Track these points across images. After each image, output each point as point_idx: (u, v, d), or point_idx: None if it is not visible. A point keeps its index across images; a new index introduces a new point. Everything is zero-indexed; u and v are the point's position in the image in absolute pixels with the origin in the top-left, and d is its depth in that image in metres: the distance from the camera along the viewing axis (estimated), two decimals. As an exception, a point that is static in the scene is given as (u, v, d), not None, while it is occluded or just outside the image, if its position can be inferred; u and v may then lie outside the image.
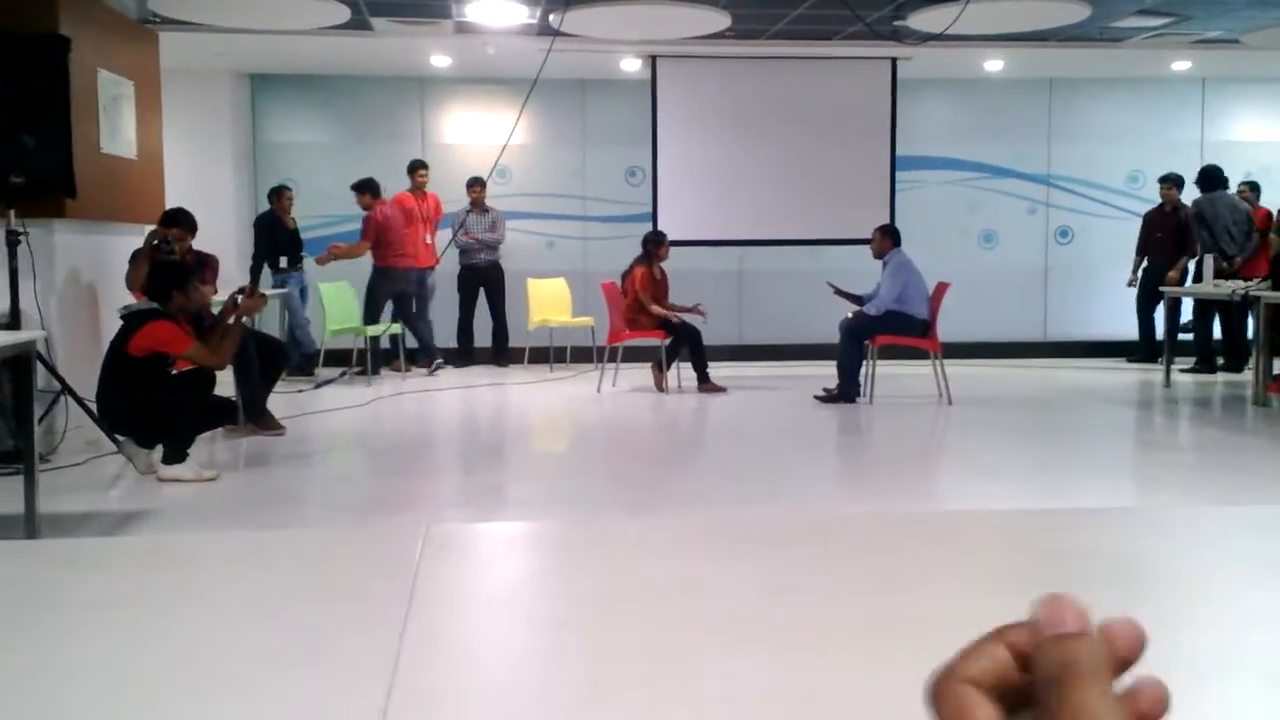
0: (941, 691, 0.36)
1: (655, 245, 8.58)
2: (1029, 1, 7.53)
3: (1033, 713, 0.35)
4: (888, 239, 8.00)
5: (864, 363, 7.75)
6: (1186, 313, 9.56)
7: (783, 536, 1.24)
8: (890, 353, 7.93)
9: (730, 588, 1.06)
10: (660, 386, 8.44)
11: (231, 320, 5.47)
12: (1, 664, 0.87)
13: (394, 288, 9.46)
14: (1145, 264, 9.85)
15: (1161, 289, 9.16)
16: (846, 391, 7.70)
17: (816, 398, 7.78)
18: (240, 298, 5.59)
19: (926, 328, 7.71)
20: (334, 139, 10.57)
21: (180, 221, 6.29)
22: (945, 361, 7.83)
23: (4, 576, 1.10)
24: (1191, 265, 9.50)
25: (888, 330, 7.66)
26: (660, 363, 8.46)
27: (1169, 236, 9.67)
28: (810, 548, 1.21)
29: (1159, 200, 9.92)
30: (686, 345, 8.41)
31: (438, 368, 9.57)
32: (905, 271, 7.78)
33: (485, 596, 1.09)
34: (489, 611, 1.05)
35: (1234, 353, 9.24)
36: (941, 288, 7.81)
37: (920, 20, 8.07)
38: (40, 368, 4.77)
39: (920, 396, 7.93)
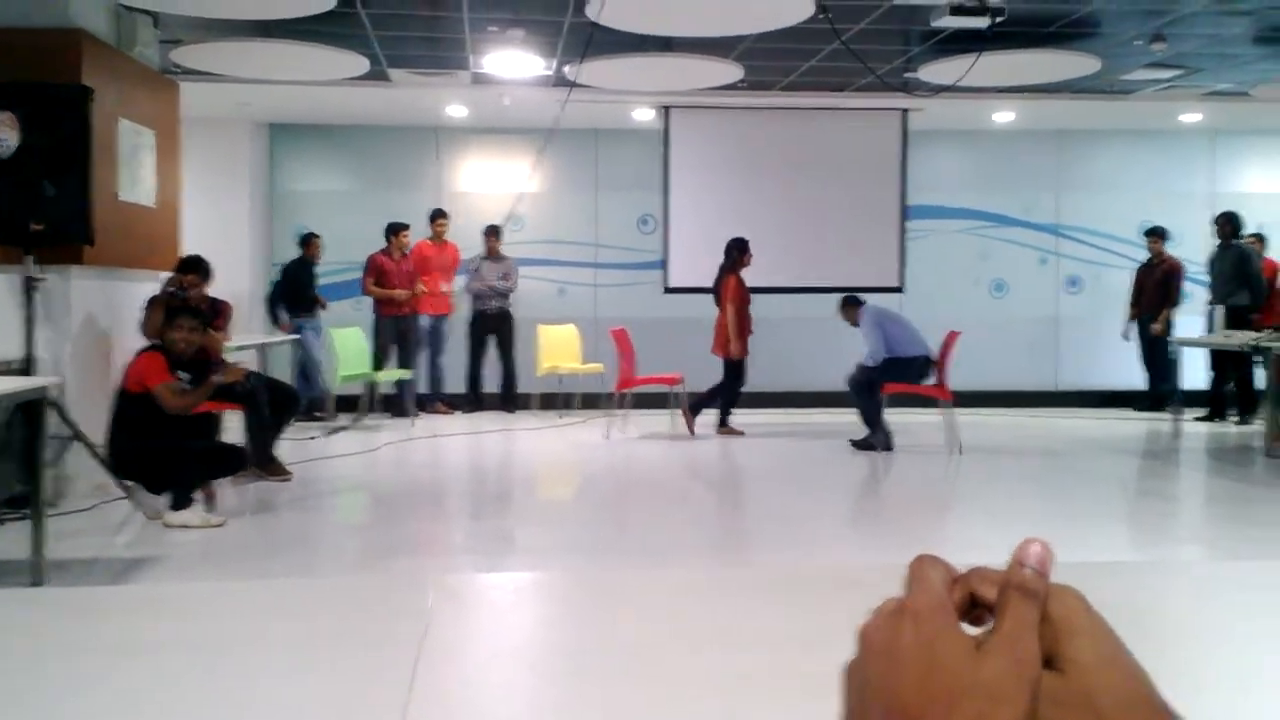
0: (914, 567, 0.46)
1: (741, 251, 8.62)
2: (1040, 54, 7.59)
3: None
4: (849, 306, 8.04)
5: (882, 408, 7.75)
6: (1197, 362, 9.55)
7: (791, 586, 1.24)
8: (900, 400, 7.91)
9: (743, 638, 1.06)
10: (691, 430, 8.41)
11: (212, 379, 5.36)
12: (7, 712, 0.87)
13: (388, 333, 9.56)
14: (1138, 316, 9.92)
15: (1169, 339, 9.16)
16: (878, 439, 7.68)
17: (852, 442, 7.78)
18: (228, 366, 5.55)
19: (928, 363, 7.68)
20: (351, 187, 10.67)
21: (196, 268, 6.36)
22: (956, 410, 7.81)
23: (10, 624, 1.11)
24: (1179, 316, 9.60)
25: (890, 378, 7.65)
26: (690, 405, 8.46)
27: (1155, 288, 9.73)
28: (819, 598, 1.21)
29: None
30: (729, 384, 8.51)
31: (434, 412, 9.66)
32: (880, 320, 7.80)
33: (494, 647, 1.09)
34: (498, 662, 1.05)
35: (1246, 403, 9.20)
36: (952, 337, 7.81)
37: (931, 72, 8.14)
38: (52, 412, 4.79)
39: (930, 445, 7.90)
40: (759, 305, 10.68)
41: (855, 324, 7.97)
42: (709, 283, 8.97)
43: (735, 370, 8.52)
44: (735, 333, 8.44)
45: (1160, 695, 0.42)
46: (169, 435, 5.24)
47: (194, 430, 5.38)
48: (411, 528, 5.54)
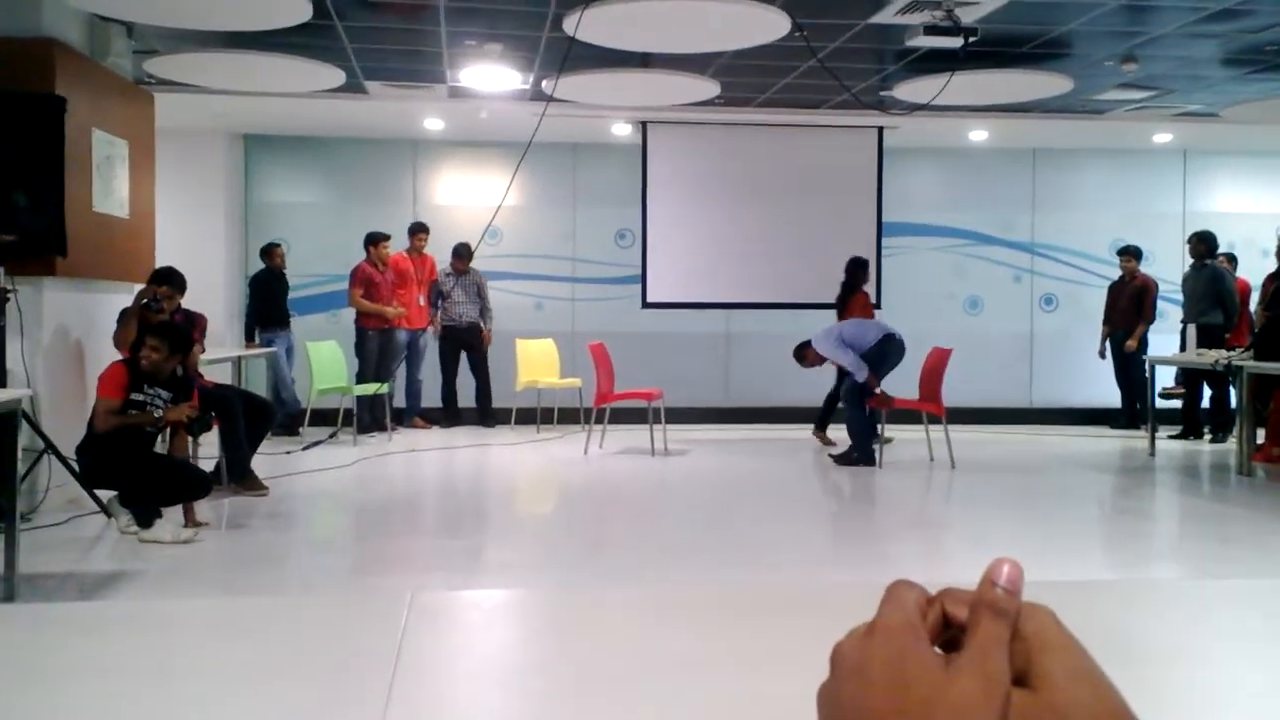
0: (889, 590, 0.46)
1: (864, 270, 9.02)
2: (1013, 74, 7.66)
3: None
4: (803, 352, 8.18)
5: (878, 426, 7.80)
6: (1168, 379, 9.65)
7: (769, 605, 1.23)
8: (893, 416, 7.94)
9: (721, 658, 1.06)
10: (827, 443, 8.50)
11: (156, 414, 5.19)
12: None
13: (371, 346, 9.53)
14: (1111, 333, 10.02)
15: (1145, 357, 9.25)
16: (863, 455, 7.71)
17: (831, 457, 7.81)
18: (171, 407, 5.26)
19: (891, 339, 7.76)
20: (326, 199, 10.63)
21: (170, 280, 6.29)
22: (931, 427, 7.86)
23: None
24: (1154, 334, 9.74)
25: (878, 366, 7.70)
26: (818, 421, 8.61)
27: (1129, 306, 9.83)
28: (804, 617, 1.20)
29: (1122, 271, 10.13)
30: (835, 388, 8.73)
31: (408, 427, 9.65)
32: (830, 336, 7.89)
33: (471, 668, 1.08)
34: (475, 683, 1.04)
35: (1220, 421, 9.29)
36: (940, 354, 7.87)
37: (906, 91, 8.20)
38: (25, 425, 4.74)
39: (913, 461, 7.92)
40: (735, 319, 10.74)
41: (820, 360, 8.03)
42: (687, 297, 9.01)
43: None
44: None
45: (1132, 712, 0.42)
46: (139, 450, 5.19)
47: (144, 445, 5.26)
48: (387, 544, 5.50)
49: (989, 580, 0.44)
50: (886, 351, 7.75)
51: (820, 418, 9.03)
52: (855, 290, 8.99)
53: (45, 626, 1.17)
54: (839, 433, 8.37)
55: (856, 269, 9.05)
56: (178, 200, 9.27)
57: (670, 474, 7.73)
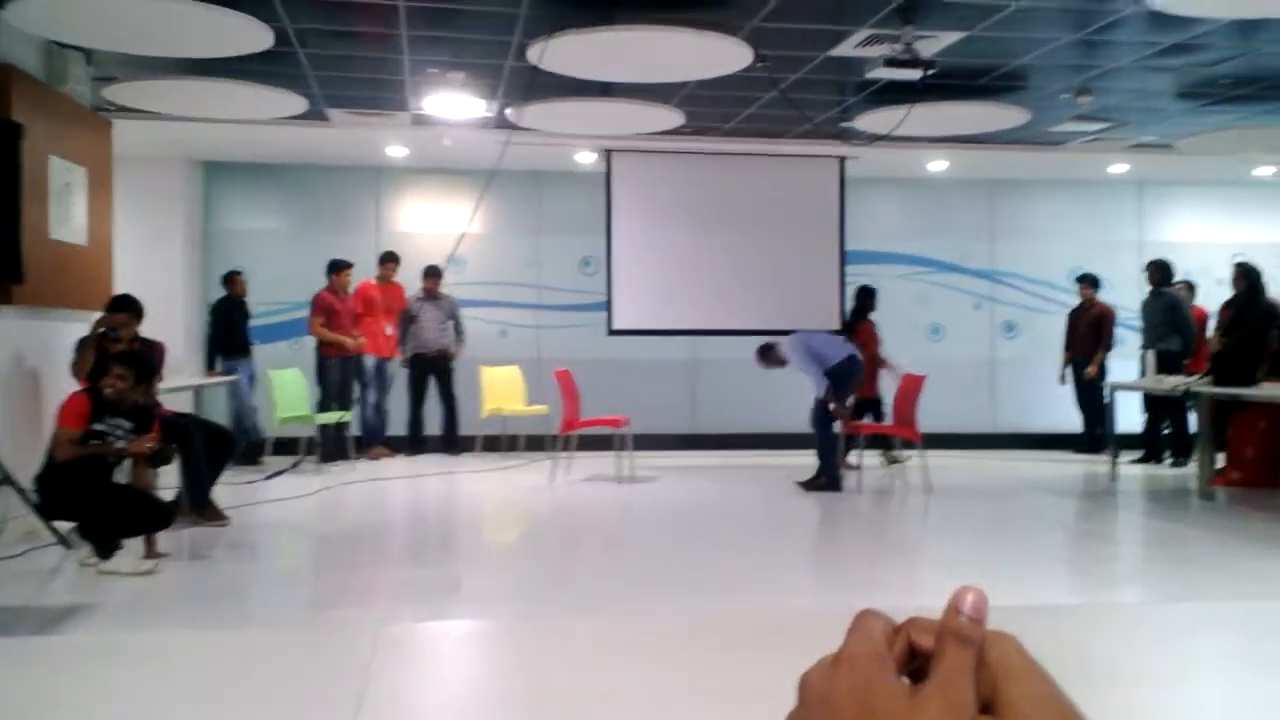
0: (855, 619, 0.46)
1: (871, 298, 9.31)
2: (971, 106, 7.78)
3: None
4: (767, 353, 8.19)
5: (838, 447, 7.86)
6: (1132, 405, 9.76)
7: (742, 635, 1.23)
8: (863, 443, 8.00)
9: (687, 688, 1.05)
10: (852, 464, 8.40)
11: (115, 445, 5.10)
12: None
13: (333, 375, 9.47)
14: (1071, 360, 10.16)
15: (1105, 384, 9.37)
16: (830, 479, 7.75)
17: (799, 483, 7.83)
18: (133, 439, 5.16)
19: (854, 360, 7.87)
20: (288, 226, 10.57)
21: (127, 308, 6.21)
22: (896, 452, 7.91)
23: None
24: (1113, 360, 9.93)
25: (841, 385, 7.76)
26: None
27: (1088, 332, 9.98)
28: (771, 647, 1.20)
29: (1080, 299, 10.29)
30: (868, 416, 8.94)
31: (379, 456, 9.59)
32: (800, 343, 7.93)
33: (436, 699, 1.07)
34: (440, 715, 1.03)
35: (1180, 446, 9.40)
36: (912, 380, 7.97)
37: (866, 122, 8.30)
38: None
39: (891, 486, 7.96)
40: (701, 346, 10.76)
41: (782, 362, 8.05)
42: (653, 324, 9.00)
43: (875, 407, 9.15)
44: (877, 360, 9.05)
45: None
46: (99, 480, 5.10)
47: (105, 474, 5.18)
48: (352, 575, 5.44)
49: (954, 609, 0.45)
50: (851, 370, 7.83)
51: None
52: (863, 317, 9.26)
53: (3, 659, 1.14)
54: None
55: (864, 296, 9.32)
56: (136, 228, 9.18)
57: (637, 501, 7.70)
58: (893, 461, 8.94)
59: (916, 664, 0.45)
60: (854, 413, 8.49)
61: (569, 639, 1.22)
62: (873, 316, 9.38)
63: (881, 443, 9.01)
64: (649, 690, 0.98)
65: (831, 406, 7.75)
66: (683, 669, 1.04)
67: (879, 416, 9.12)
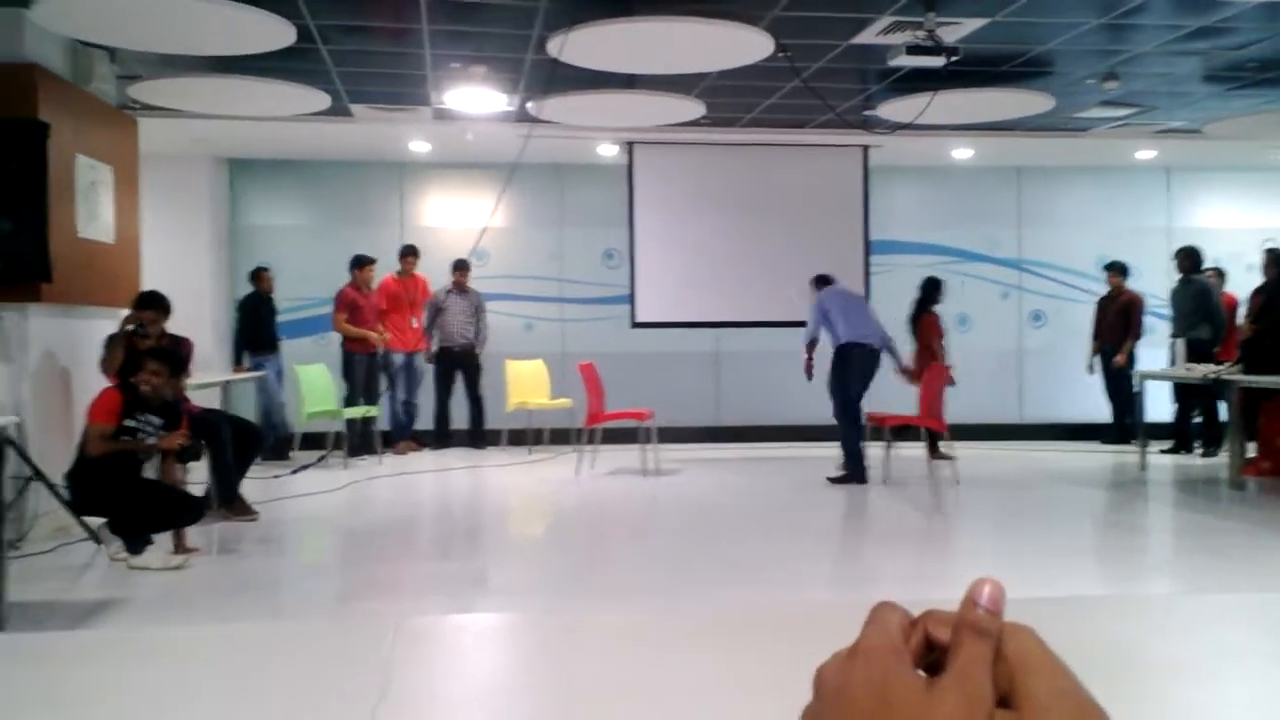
0: (872, 612, 0.46)
1: (936, 289, 9.13)
2: (995, 92, 7.71)
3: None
4: (813, 287, 8.22)
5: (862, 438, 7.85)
6: (1161, 394, 9.67)
7: (761, 627, 1.22)
8: (885, 433, 7.96)
9: (713, 681, 1.05)
10: (946, 455, 8.37)
11: (147, 441, 5.16)
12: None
13: (358, 370, 9.52)
14: (1100, 349, 10.06)
15: (1134, 373, 9.28)
16: (854, 471, 7.73)
17: (829, 478, 7.83)
18: (164, 435, 5.21)
19: (873, 355, 7.80)
20: (312, 222, 10.62)
21: (154, 304, 6.26)
22: (922, 443, 7.88)
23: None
24: (1142, 349, 9.81)
25: (850, 366, 7.71)
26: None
27: (1117, 321, 9.87)
28: (789, 639, 1.19)
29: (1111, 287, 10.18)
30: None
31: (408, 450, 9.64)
32: (822, 302, 7.93)
33: (459, 693, 1.07)
34: (462, 709, 1.03)
35: (1210, 436, 9.30)
36: (939, 370, 7.93)
37: (889, 110, 8.25)
38: (12, 452, 4.70)
39: (912, 478, 7.93)
40: (725, 338, 10.74)
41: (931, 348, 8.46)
42: (677, 316, 8.98)
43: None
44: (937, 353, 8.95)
45: None
46: (129, 476, 5.15)
47: (135, 469, 5.23)
48: (378, 568, 5.47)
49: (971, 601, 0.44)
50: (859, 357, 7.75)
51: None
52: (926, 309, 9.13)
53: (34, 655, 1.15)
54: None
55: (929, 288, 9.21)
56: (163, 225, 9.25)
57: (662, 494, 7.71)
58: (940, 456, 8.83)
59: (933, 657, 0.44)
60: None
61: (589, 631, 1.22)
62: (937, 309, 9.21)
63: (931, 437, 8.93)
64: (670, 682, 0.98)
65: (806, 362, 7.82)
66: (705, 661, 1.05)
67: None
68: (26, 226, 5.18)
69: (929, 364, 8.64)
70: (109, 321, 6.46)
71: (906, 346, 8.77)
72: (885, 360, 7.95)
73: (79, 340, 6.42)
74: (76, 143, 6.24)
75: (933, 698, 0.41)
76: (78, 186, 6.27)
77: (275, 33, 5.98)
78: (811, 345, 7.90)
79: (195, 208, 9.99)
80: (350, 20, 6.29)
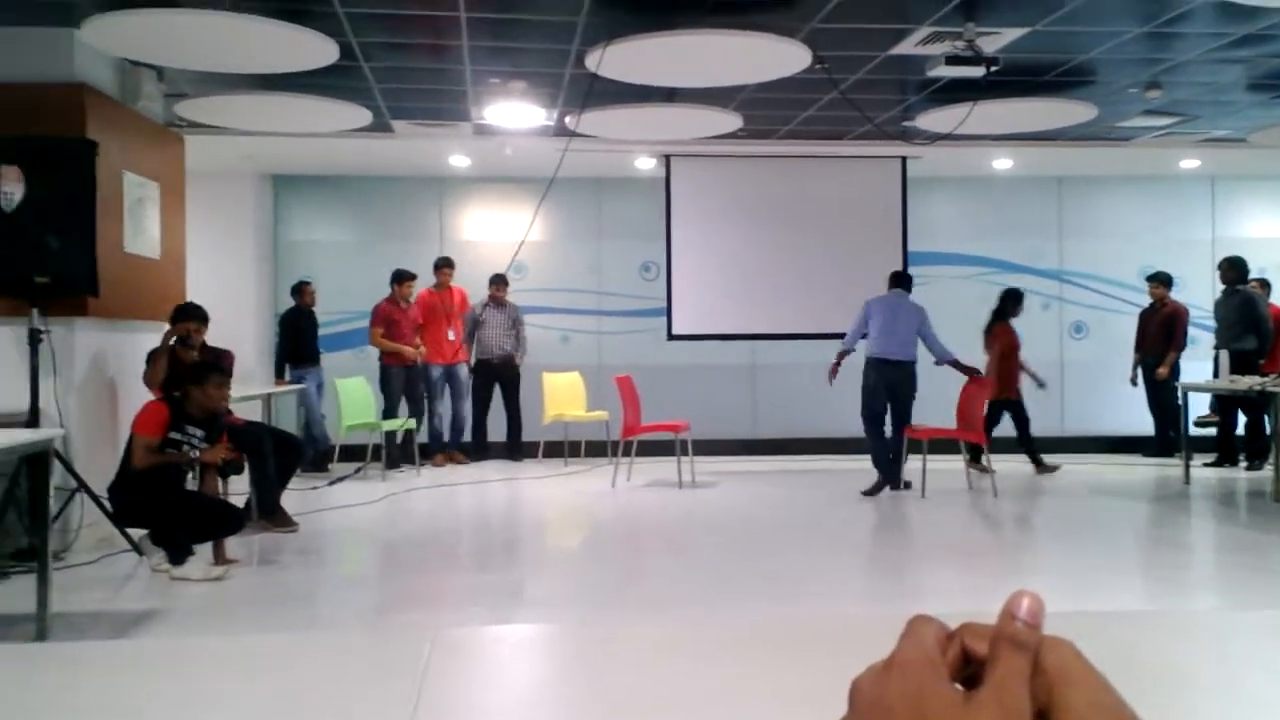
0: (908, 625, 0.46)
1: (1015, 302, 9.10)
2: (1035, 102, 7.65)
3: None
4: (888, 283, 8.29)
5: (892, 448, 7.81)
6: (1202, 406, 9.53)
7: (797, 640, 1.22)
8: (924, 446, 7.91)
9: (751, 694, 1.05)
10: (986, 469, 8.28)
11: (192, 454, 5.26)
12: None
13: (396, 383, 9.59)
14: (1142, 360, 9.91)
15: (1177, 384, 9.15)
16: (886, 477, 7.74)
17: (863, 492, 7.83)
18: (207, 448, 5.32)
19: (895, 367, 7.79)
20: (354, 237, 10.74)
21: (195, 315, 6.35)
22: (962, 456, 7.81)
23: (13, 679, 1.10)
24: (1186, 360, 9.67)
25: (868, 379, 7.76)
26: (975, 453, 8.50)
27: (1159, 332, 9.72)
28: (826, 652, 1.19)
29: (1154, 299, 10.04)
30: (1014, 423, 8.84)
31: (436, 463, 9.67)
32: (868, 311, 7.97)
33: (495, 704, 1.08)
34: (497, 720, 1.04)
35: (1255, 448, 9.15)
36: (980, 383, 7.87)
37: (928, 120, 8.21)
38: (57, 465, 4.79)
39: (956, 490, 7.86)
40: (761, 351, 10.72)
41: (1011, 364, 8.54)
42: (713, 329, 8.97)
43: (1015, 409, 8.92)
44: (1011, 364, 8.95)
45: None
46: (172, 488, 5.23)
47: (177, 482, 5.31)
48: (416, 579, 5.50)
49: (1009, 614, 0.44)
50: (881, 372, 7.76)
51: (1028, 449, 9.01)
52: (1002, 319, 9.07)
53: (77, 665, 1.17)
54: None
55: (1006, 300, 9.15)
56: (208, 240, 9.39)
57: (699, 506, 7.69)
58: (981, 470, 8.73)
59: (970, 670, 0.44)
60: (989, 417, 8.42)
61: (625, 643, 1.23)
62: (1014, 322, 9.13)
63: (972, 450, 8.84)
64: (707, 693, 0.98)
65: (832, 366, 7.93)
66: (741, 673, 1.05)
67: (1021, 421, 8.90)
68: (75, 242, 5.27)
69: (1001, 373, 8.61)
70: (153, 335, 6.56)
71: (974, 356, 8.71)
72: (939, 372, 7.96)
73: (124, 354, 6.52)
74: (124, 160, 6.35)
75: (969, 711, 0.41)
76: (125, 203, 6.38)
77: (319, 50, 6.06)
78: (842, 354, 7.92)
79: (240, 223, 10.13)
80: (392, 38, 6.36)
